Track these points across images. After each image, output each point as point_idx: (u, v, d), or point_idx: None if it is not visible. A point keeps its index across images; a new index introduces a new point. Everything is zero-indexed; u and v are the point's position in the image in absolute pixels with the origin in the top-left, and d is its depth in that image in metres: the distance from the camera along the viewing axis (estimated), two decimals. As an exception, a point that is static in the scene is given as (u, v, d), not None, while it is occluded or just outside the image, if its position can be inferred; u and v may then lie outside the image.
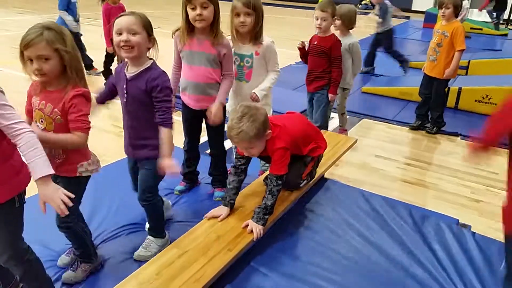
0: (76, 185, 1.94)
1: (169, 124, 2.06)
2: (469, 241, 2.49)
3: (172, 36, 2.61)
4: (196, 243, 2.09)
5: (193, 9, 2.39)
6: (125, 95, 2.10)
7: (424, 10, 12.61)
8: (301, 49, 3.63)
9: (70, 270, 2.14)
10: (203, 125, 2.81)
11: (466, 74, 6.46)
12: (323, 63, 3.55)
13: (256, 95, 2.73)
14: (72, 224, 2.03)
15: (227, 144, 3.04)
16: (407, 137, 4.38)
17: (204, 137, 2.95)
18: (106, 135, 4.12)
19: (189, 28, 2.49)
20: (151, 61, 2.09)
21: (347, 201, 2.83)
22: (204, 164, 3.03)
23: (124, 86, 2.09)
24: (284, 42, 9.36)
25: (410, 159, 3.86)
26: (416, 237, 2.49)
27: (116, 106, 2.39)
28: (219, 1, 2.46)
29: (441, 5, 4.12)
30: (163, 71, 2.08)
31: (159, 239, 2.35)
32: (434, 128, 4.45)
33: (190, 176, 3.03)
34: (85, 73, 1.91)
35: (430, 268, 2.25)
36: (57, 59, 1.74)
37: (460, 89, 5.02)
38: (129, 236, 2.51)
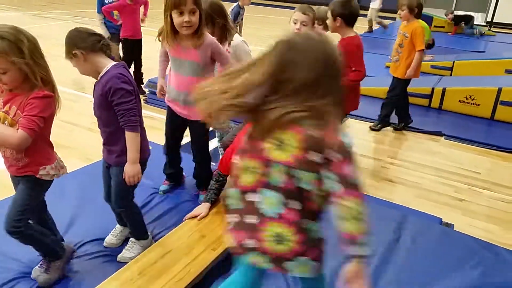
0: (34, 185, 1.90)
1: (130, 126, 1.96)
2: (452, 239, 2.52)
3: (159, 40, 2.52)
4: (180, 243, 2.08)
5: (181, 14, 2.25)
6: (93, 100, 2.06)
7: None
8: None
9: (43, 272, 2.06)
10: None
11: (451, 75, 6.53)
12: None
13: None
14: (23, 228, 1.90)
15: (212, 144, 3.02)
16: (391, 136, 4.42)
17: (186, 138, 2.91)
18: (93, 134, 4.08)
19: (174, 33, 2.37)
20: (113, 63, 1.97)
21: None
22: (189, 160, 2.95)
23: (93, 91, 2.06)
24: (268, 41, 9.39)
25: (394, 159, 3.89)
26: (399, 235, 2.51)
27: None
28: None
29: (399, 7, 4.21)
30: (118, 73, 1.93)
31: (141, 240, 2.32)
32: (379, 125, 4.50)
33: (173, 176, 2.97)
34: (51, 76, 1.83)
35: (409, 266, 2.27)
36: (15, 70, 1.68)
37: (444, 89, 5.07)
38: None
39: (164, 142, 2.84)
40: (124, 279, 1.83)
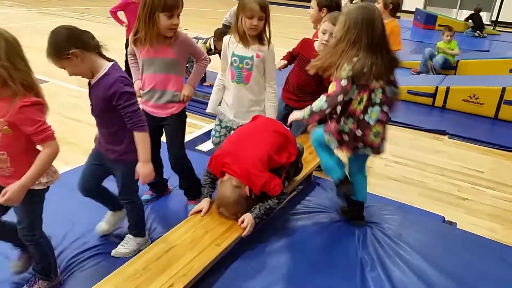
0: (29, 198, 1.76)
1: (139, 127, 1.95)
2: (455, 237, 2.52)
3: (134, 43, 2.41)
4: (184, 238, 2.09)
5: (170, 17, 2.23)
6: (90, 101, 2.02)
7: (413, 10, 12.71)
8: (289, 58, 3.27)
9: (26, 286, 2.01)
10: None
11: (455, 74, 6.53)
12: (312, 82, 3.08)
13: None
14: (38, 237, 1.91)
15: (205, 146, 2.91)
16: (394, 135, 4.42)
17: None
18: (96, 130, 4.08)
19: (158, 35, 2.29)
20: (110, 64, 1.92)
21: (336, 200, 2.85)
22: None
23: (88, 93, 2.01)
24: (275, 39, 9.38)
25: (398, 157, 3.89)
26: (402, 233, 2.52)
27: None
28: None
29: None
30: (120, 76, 1.90)
31: (138, 237, 2.31)
32: None
33: (155, 185, 2.83)
34: (34, 81, 1.69)
35: (415, 264, 2.27)
36: None
37: (448, 88, 5.07)
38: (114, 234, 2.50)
39: None
40: (129, 273, 1.84)
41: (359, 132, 2.22)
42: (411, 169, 3.69)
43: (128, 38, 5.00)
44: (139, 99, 2.42)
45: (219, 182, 2.30)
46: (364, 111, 2.21)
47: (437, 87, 5.14)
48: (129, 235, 2.32)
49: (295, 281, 2.09)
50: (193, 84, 2.55)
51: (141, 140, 1.97)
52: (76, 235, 2.38)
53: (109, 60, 1.95)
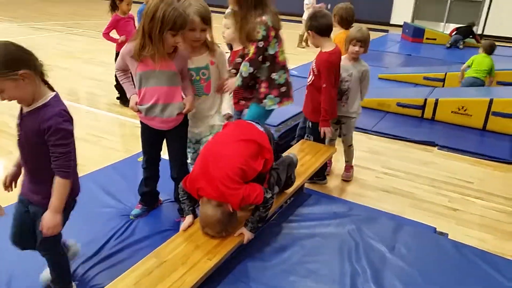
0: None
1: (62, 172, 1.76)
2: (446, 248, 2.53)
3: (137, 57, 2.37)
4: (176, 252, 2.07)
5: (175, 36, 2.29)
6: (19, 132, 1.80)
7: (401, 23, 12.90)
8: None
9: None
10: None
11: (443, 86, 6.61)
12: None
13: (231, 114, 2.79)
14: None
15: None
16: (385, 147, 4.45)
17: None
18: (87, 145, 4.07)
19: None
20: (52, 94, 1.77)
21: (328, 212, 2.85)
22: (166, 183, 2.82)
23: (18, 121, 1.80)
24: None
25: (388, 169, 3.92)
26: (394, 245, 2.52)
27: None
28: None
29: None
30: (61, 110, 1.74)
31: None
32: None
33: (148, 198, 2.83)
34: None
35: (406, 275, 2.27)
36: None
37: (437, 100, 5.13)
38: (108, 246, 2.48)
39: (142, 156, 2.72)
40: (120, 289, 1.82)
41: (291, 79, 2.56)
42: (401, 180, 3.71)
43: (118, 52, 5.02)
44: (137, 109, 2.48)
45: (200, 203, 2.21)
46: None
47: (425, 99, 5.20)
48: None
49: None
50: (193, 95, 2.59)
51: (60, 186, 1.77)
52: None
53: (51, 89, 1.80)
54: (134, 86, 2.51)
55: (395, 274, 2.26)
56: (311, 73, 3.23)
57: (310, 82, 3.26)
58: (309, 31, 3.19)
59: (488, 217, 3.20)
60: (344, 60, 3.35)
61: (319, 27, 3.09)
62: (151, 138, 2.65)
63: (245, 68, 2.70)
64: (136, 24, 5.17)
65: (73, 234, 2.45)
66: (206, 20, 2.50)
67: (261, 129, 2.40)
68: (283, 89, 2.72)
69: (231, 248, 2.17)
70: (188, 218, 2.29)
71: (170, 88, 2.43)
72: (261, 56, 2.68)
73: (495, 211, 3.28)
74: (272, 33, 2.68)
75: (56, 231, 1.81)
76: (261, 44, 2.65)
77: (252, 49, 2.68)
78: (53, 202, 1.78)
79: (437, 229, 2.87)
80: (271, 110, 2.94)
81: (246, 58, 2.67)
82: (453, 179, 3.77)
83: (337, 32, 4.13)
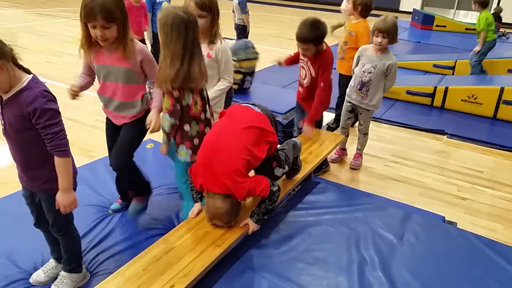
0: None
1: (60, 151, 1.74)
2: (455, 237, 2.52)
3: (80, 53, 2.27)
4: (184, 239, 2.08)
5: (94, 28, 2.08)
6: (2, 121, 1.77)
7: (411, 10, 12.73)
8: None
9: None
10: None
11: (453, 74, 6.53)
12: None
13: None
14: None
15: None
16: (395, 135, 4.42)
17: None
18: (96, 131, 4.08)
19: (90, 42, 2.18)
20: (29, 77, 1.71)
21: (336, 200, 2.84)
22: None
23: (0, 111, 1.75)
24: (271, 39, 9.38)
25: (397, 157, 3.89)
26: (402, 233, 2.51)
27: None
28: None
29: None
30: (42, 91, 1.70)
31: (73, 274, 2.14)
32: (334, 124, 4.43)
33: (124, 193, 2.73)
34: None
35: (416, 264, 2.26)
36: None
37: (446, 88, 5.07)
38: (113, 233, 2.49)
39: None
40: (129, 275, 1.82)
41: (207, 130, 2.29)
42: (410, 169, 3.69)
43: None
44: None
45: (206, 196, 2.19)
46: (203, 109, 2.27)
47: (435, 87, 5.14)
48: (63, 273, 2.14)
49: (295, 280, 2.07)
50: (158, 106, 2.29)
51: (62, 166, 1.77)
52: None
53: (27, 71, 1.74)
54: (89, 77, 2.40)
55: (403, 263, 2.25)
56: (313, 68, 3.11)
57: (312, 79, 3.16)
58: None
59: (497, 206, 3.17)
60: (370, 51, 3.30)
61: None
62: (110, 129, 2.49)
63: (166, 121, 2.22)
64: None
65: (87, 214, 2.48)
66: (202, 6, 2.39)
67: (259, 110, 2.29)
68: (195, 141, 2.29)
69: (239, 235, 2.17)
70: (197, 205, 2.29)
71: (125, 86, 2.28)
72: (178, 105, 2.24)
73: (505, 201, 3.25)
74: None
75: (73, 207, 1.85)
76: (176, 94, 2.20)
77: (168, 100, 2.22)
78: (61, 183, 1.79)
79: (446, 218, 2.85)
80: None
81: (167, 111, 2.20)
82: (462, 168, 3.73)
83: (357, 21, 4.08)
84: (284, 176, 2.63)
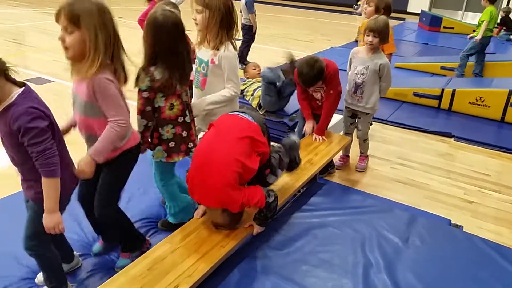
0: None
1: (45, 171, 1.65)
2: (461, 241, 2.50)
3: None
4: (189, 239, 2.08)
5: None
6: None
7: (419, 12, 12.68)
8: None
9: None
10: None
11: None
12: None
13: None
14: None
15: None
16: (401, 137, 4.40)
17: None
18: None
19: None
20: (18, 91, 1.61)
21: (341, 202, 2.84)
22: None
23: None
24: (279, 40, 9.37)
25: (403, 159, 3.87)
26: (408, 236, 2.50)
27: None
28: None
29: (366, 2, 4.17)
30: (28, 107, 1.59)
31: None
32: None
33: (101, 234, 2.31)
34: None
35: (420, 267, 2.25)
36: None
37: (454, 91, 5.04)
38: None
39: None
40: (134, 274, 1.83)
41: (185, 133, 2.28)
42: (416, 171, 3.67)
43: None
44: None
45: (206, 208, 2.20)
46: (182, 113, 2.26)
47: (443, 89, 5.11)
48: None
49: (300, 282, 2.07)
50: (95, 155, 1.84)
51: (46, 186, 1.68)
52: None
53: (19, 84, 1.64)
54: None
55: (408, 266, 2.24)
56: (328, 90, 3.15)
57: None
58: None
59: (504, 210, 3.15)
60: (362, 53, 3.29)
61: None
62: None
63: (139, 123, 2.23)
64: None
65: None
66: (200, 0, 2.29)
67: (249, 118, 2.20)
68: (171, 144, 2.24)
69: (244, 236, 2.17)
70: (201, 207, 2.29)
71: (84, 119, 1.91)
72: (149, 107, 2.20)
73: (512, 204, 3.23)
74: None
75: (57, 229, 1.75)
76: (145, 94, 2.16)
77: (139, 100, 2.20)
78: (45, 203, 1.71)
79: (452, 222, 2.83)
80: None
81: (137, 111, 2.19)
82: (469, 171, 3.71)
83: None
84: (288, 177, 2.63)
